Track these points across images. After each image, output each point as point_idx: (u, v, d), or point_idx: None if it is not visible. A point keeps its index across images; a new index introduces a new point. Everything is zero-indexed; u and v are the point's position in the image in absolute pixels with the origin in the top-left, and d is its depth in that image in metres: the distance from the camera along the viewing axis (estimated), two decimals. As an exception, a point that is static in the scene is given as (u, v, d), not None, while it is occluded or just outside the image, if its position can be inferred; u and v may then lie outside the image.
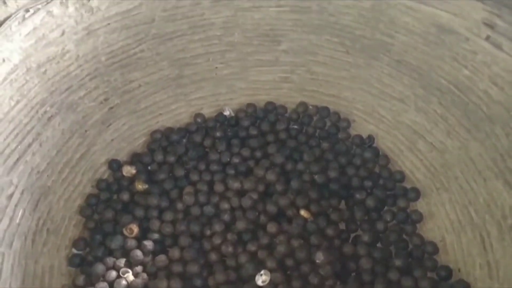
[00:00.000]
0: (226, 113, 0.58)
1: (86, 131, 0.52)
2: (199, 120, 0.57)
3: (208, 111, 0.59)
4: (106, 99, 0.53)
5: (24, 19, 0.45)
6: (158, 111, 0.57)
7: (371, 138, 0.55)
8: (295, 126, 0.57)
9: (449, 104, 0.47)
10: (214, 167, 0.54)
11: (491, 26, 0.41)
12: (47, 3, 0.46)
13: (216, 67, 0.57)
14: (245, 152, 0.55)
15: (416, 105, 0.51)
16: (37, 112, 0.47)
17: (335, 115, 0.57)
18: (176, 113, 0.58)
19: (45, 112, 0.48)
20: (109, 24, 0.50)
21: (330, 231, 0.49)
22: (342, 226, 0.51)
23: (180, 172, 0.54)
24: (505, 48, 0.41)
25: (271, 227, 0.49)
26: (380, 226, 0.50)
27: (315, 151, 0.55)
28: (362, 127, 0.57)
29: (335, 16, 0.51)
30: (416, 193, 0.52)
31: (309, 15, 0.52)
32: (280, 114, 0.58)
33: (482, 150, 0.45)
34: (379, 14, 0.49)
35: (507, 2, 0.41)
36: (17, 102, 0.45)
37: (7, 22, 0.44)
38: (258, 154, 0.55)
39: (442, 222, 0.49)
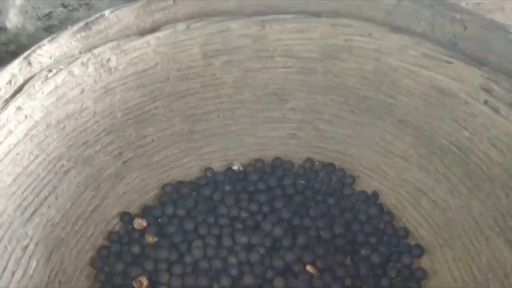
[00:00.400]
0: (235, 167, 0.60)
1: (100, 184, 0.54)
2: (208, 174, 0.59)
3: (217, 165, 0.61)
4: (120, 153, 0.55)
5: (47, 78, 0.47)
6: (170, 165, 0.59)
7: (375, 194, 0.57)
8: (302, 182, 0.59)
9: (450, 164, 0.49)
10: (222, 221, 0.55)
11: (488, 91, 0.44)
12: (69, 63, 0.49)
13: (226, 123, 0.59)
14: (253, 207, 0.56)
15: (419, 163, 0.52)
16: (54, 166, 0.49)
17: (341, 171, 0.59)
18: (187, 167, 0.60)
19: (62, 166, 0.50)
20: (126, 83, 0.53)
21: (336, 287, 0.50)
22: (347, 282, 0.52)
23: (189, 225, 0.55)
24: (502, 112, 0.43)
25: (278, 282, 0.50)
26: (385, 282, 0.51)
27: (321, 207, 0.56)
28: (366, 184, 0.58)
29: (340, 78, 0.54)
30: (420, 250, 0.53)
31: (315, 76, 0.55)
32: (287, 170, 0.60)
33: (484, 209, 0.46)
34: (381, 76, 0.51)
35: (503, 69, 0.43)
36: (36, 156, 0.47)
37: (31, 81, 0.47)
38: (266, 208, 0.56)
39: (446, 279, 0.50)
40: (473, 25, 0.44)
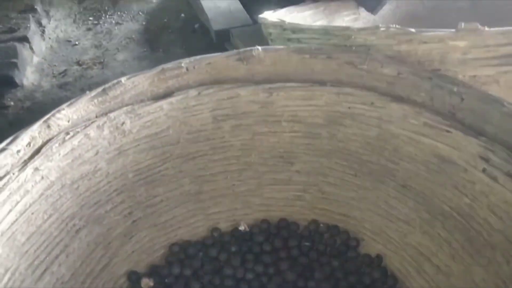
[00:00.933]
0: (241, 228, 0.61)
1: (109, 243, 0.55)
2: (215, 234, 0.61)
3: (224, 225, 0.62)
4: (130, 213, 0.57)
5: (64, 141, 0.50)
6: (178, 224, 0.61)
7: (379, 257, 0.58)
8: (307, 243, 0.60)
9: (452, 229, 0.50)
10: (228, 282, 0.56)
11: (486, 160, 0.45)
12: (86, 126, 0.51)
13: (233, 184, 0.61)
14: (259, 268, 0.57)
15: (422, 228, 0.53)
16: (66, 225, 0.51)
17: (345, 234, 0.60)
18: (194, 227, 0.62)
19: (74, 225, 0.51)
20: (138, 145, 0.55)
21: None
22: None
23: (195, 286, 0.56)
24: (500, 181, 0.44)
25: None
26: None
27: (325, 269, 0.57)
28: (370, 246, 0.59)
29: (343, 142, 0.56)
30: (424, 315, 0.53)
31: (320, 141, 0.57)
32: (293, 231, 0.61)
33: (486, 276, 0.46)
34: (384, 143, 0.54)
35: (499, 139, 0.45)
36: (50, 216, 0.49)
37: (49, 143, 0.49)
38: (271, 270, 0.57)
39: None
40: (469, 97, 0.47)
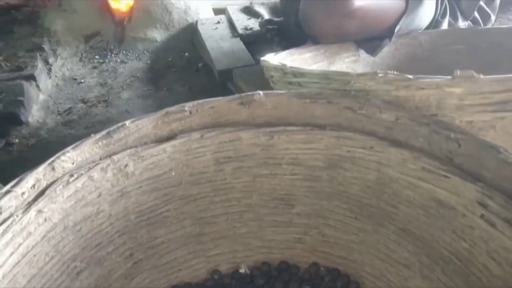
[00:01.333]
0: (242, 270, 0.61)
1: (110, 285, 0.55)
2: (215, 277, 0.61)
3: (224, 267, 0.62)
4: (131, 254, 0.57)
5: (68, 183, 0.50)
6: (178, 266, 0.61)
7: (380, 302, 0.57)
8: (307, 287, 0.60)
9: (452, 274, 0.50)
10: (228, 326, 0.56)
11: (484, 205, 0.46)
12: (89, 169, 0.52)
13: (234, 226, 0.62)
14: (259, 313, 0.57)
15: (422, 272, 0.53)
16: (68, 267, 0.51)
17: (345, 277, 0.60)
18: (195, 269, 0.62)
19: (75, 267, 0.52)
20: (141, 187, 0.56)
21: None
22: None
23: (195, 329, 0.56)
24: (499, 227, 0.45)
25: None
26: None
27: (326, 314, 0.57)
28: (371, 290, 0.59)
29: (343, 185, 0.57)
30: None
31: (320, 183, 0.58)
32: (293, 274, 0.61)
33: (487, 323, 0.46)
34: (383, 186, 0.54)
35: (497, 185, 0.46)
36: (52, 258, 0.49)
37: (53, 185, 0.50)
38: (271, 315, 0.57)
39: None
40: (466, 143, 0.48)
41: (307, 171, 0.58)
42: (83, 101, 1.24)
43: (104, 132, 0.54)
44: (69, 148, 0.52)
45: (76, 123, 1.15)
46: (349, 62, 0.97)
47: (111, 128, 0.54)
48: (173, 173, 0.57)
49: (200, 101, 0.57)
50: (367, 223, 0.57)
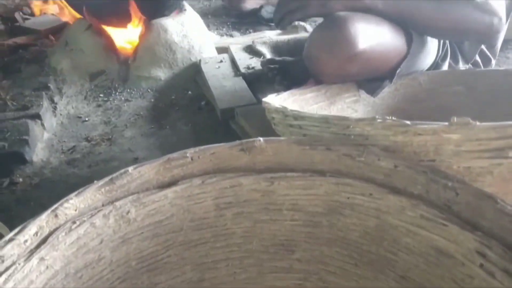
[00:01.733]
0: (242, 316, 0.61)
1: (110, 332, 0.55)
2: (216, 323, 0.60)
3: (225, 313, 0.62)
4: (131, 301, 0.57)
5: (70, 230, 0.51)
6: (179, 312, 0.61)
7: None
8: (308, 334, 0.60)
9: (452, 323, 0.50)
10: None
11: (483, 255, 0.46)
12: (92, 215, 0.53)
13: (235, 272, 0.62)
14: None
15: (422, 320, 0.53)
16: (68, 314, 0.51)
17: (346, 324, 0.59)
18: (195, 315, 0.62)
19: (76, 314, 0.52)
20: (142, 233, 0.56)
21: None
22: None
23: None
24: (498, 277, 0.45)
25: None
26: None
27: None
28: (373, 338, 0.59)
29: (343, 232, 0.57)
30: None
31: (320, 229, 0.59)
32: (294, 320, 0.61)
33: None
34: (382, 233, 0.55)
35: (495, 234, 0.46)
36: (53, 306, 0.49)
37: (56, 232, 0.50)
38: None
39: None
40: (464, 192, 0.48)
41: (307, 217, 0.59)
42: (87, 139, 1.25)
43: (107, 179, 0.54)
44: (72, 195, 0.53)
45: (79, 161, 1.16)
46: (350, 102, 0.99)
47: (114, 175, 0.55)
48: (174, 219, 0.57)
49: (202, 147, 0.58)
50: (367, 269, 0.57)
